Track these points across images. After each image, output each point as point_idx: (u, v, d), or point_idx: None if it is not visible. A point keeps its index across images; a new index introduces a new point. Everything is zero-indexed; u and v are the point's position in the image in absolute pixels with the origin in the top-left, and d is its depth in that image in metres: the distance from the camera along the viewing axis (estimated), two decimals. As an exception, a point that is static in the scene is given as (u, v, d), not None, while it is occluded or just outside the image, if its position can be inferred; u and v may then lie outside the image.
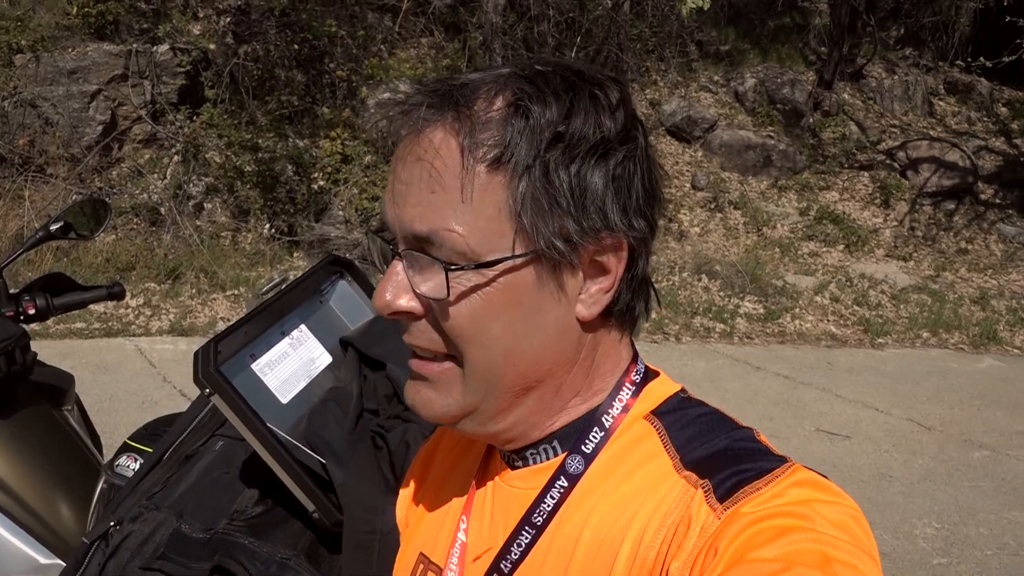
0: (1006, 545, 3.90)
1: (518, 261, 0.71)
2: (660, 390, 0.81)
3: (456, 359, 0.74)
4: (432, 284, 0.71)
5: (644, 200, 0.74)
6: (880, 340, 6.87)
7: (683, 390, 0.82)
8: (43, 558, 1.70)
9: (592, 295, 0.74)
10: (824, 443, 4.76)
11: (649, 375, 0.82)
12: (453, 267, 0.70)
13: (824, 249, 8.45)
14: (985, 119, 10.36)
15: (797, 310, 7.17)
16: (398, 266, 0.73)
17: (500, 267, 0.70)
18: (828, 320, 7.12)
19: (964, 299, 7.86)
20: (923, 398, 5.64)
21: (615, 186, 0.71)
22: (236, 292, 6.18)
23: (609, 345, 0.78)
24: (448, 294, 0.70)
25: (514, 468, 0.82)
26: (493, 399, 0.75)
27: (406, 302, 0.73)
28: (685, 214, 8.48)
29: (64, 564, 1.54)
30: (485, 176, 0.70)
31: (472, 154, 0.70)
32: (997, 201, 9.53)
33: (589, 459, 0.77)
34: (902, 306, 7.53)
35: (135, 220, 6.74)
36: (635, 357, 0.82)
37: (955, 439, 5.03)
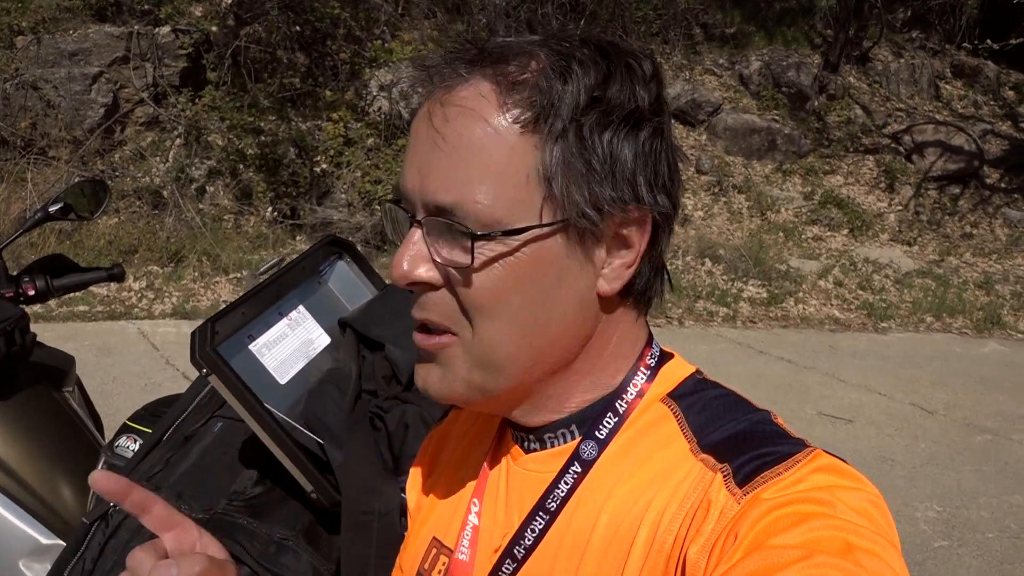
0: (1007, 528, 3.90)
1: (545, 230, 0.69)
2: (676, 372, 0.79)
3: (458, 334, 0.72)
4: (454, 252, 0.69)
5: (668, 177, 0.73)
6: (883, 324, 6.86)
7: (698, 371, 0.81)
8: (44, 538, 1.71)
9: (615, 269, 0.73)
10: (827, 427, 4.76)
11: (664, 357, 0.81)
12: (479, 235, 0.68)
13: (828, 233, 8.42)
14: (992, 103, 10.29)
15: (801, 294, 7.15)
16: (416, 234, 0.71)
17: (527, 235, 0.69)
18: (832, 304, 7.11)
19: (968, 283, 7.84)
20: (926, 382, 5.63)
21: (644, 159, 0.70)
22: (239, 275, 6.18)
23: (626, 325, 0.77)
24: (472, 261, 0.68)
25: (529, 451, 0.80)
26: (503, 377, 0.73)
27: (425, 271, 0.71)
28: (689, 198, 8.45)
29: (65, 544, 1.54)
30: (517, 138, 0.68)
31: (505, 115, 0.68)
32: (1003, 185, 9.48)
33: (603, 444, 0.76)
34: (906, 290, 7.51)
35: (137, 203, 6.73)
36: (650, 339, 0.80)
37: (958, 423, 5.03)
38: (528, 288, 0.70)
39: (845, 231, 8.48)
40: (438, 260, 0.70)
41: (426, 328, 0.75)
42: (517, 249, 0.69)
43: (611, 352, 0.77)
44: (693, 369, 0.80)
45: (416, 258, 0.71)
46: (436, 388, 0.75)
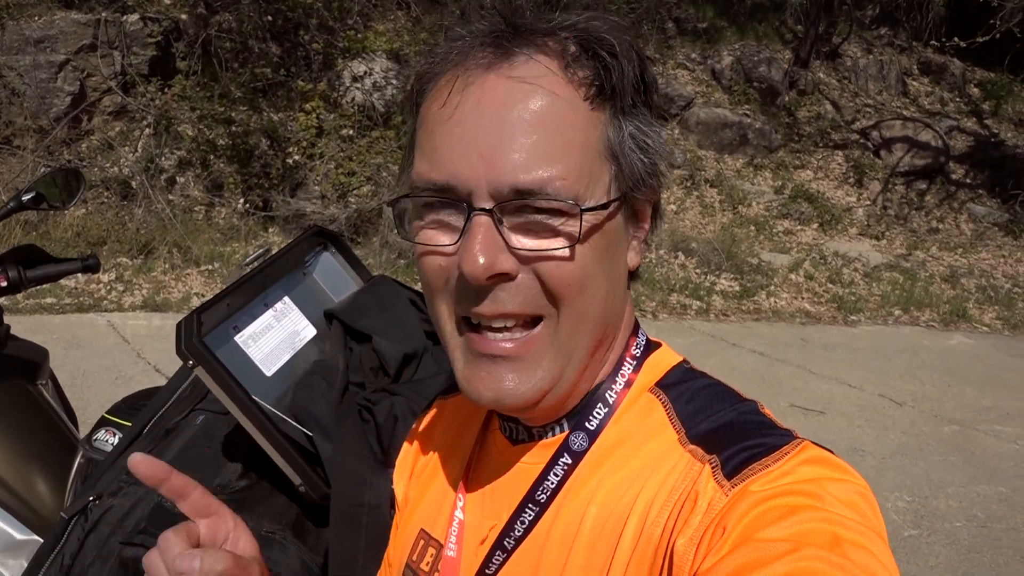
0: (975, 517, 3.98)
1: (615, 205, 0.70)
2: (663, 361, 0.80)
3: (545, 319, 0.70)
4: (547, 238, 0.67)
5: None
6: (853, 317, 6.96)
7: (685, 360, 0.81)
8: (19, 534, 1.67)
9: (638, 244, 0.76)
10: (799, 418, 4.82)
11: (651, 346, 0.81)
12: (584, 209, 0.67)
13: (799, 227, 8.52)
14: (957, 99, 10.47)
15: (772, 287, 7.23)
16: (481, 225, 0.67)
17: (608, 211, 0.69)
18: (802, 297, 7.19)
19: (935, 277, 7.98)
20: (895, 374, 5.72)
21: (660, 136, 0.73)
22: (210, 267, 6.10)
23: (631, 306, 0.79)
24: (579, 238, 0.67)
25: (517, 442, 0.80)
26: (579, 358, 0.73)
27: (506, 261, 0.67)
28: (662, 192, 8.49)
29: (42, 540, 1.51)
30: (589, 114, 0.68)
31: (577, 89, 0.68)
32: (968, 181, 9.65)
33: (593, 436, 0.76)
34: (875, 284, 7.62)
35: (106, 194, 6.61)
36: (636, 328, 0.81)
37: (926, 414, 5.12)
38: (606, 261, 0.71)
39: (815, 225, 8.58)
40: (518, 248, 0.68)
41: (474, 327, 0.71)
42: (600, 224, 0.69)
43: (621, 334, 0.78)
44: (680, 358, 0.81)
45: (493, 249, 0.67)
46: (517, 393, 0.71)
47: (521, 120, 0.66)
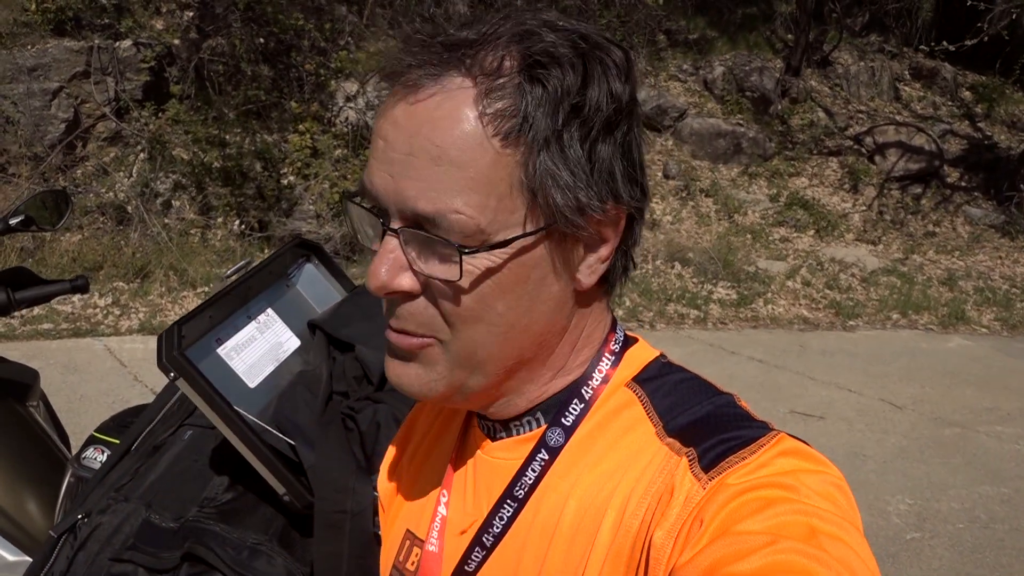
0: (977, 519, 3.96)
1: (530, 239, 0.68)
2: (640, 356, 0.80)
3: (438, 339, 0.71)
4: (436, 265, 0.67)
5: (640, 165, 0.72)
6: (851, 323, 6.95)
7: (663, 355, 0.81)
8: (10, 555, 1.67)
9: (591, 265, 0.73)
10: (799, 424, 4.81)
11: (628, 342, 0.81)
12: (467, 250, 0.66)
13: (795, 234, 8.53)
14: (949, 103, 10.51)
15: (769, 295, 7.23)
16: (392, 242, 0.68)
17: (513, 246, 0.67)
18: (800, 304, 7.19)
19: (932, 280, 7.98)
20: (894, 378, 5.71)
21: (620, 154, 0.69)
22: (206, 289, 6.11)
23: (596, 313, 0.78)
24: (460, 276, 0.66)
25: (495, 439, 0.80)
26: (482, 375, 0.73)
27: (404, 281, 0.69)
28: (658, 203, 8.51)
29: (31, 560, 1.51)
30: (499, 149, 0.65)
31: (486, 126, 0.65)
32: (963, 184, 9.67)
33: (569, 431, 0.76)
34: (872, 289, 7.62)
35: (101, 219, 6.63)
36: (614, 324, 0.81)
37: (926, 417, 5.10)
38: (512, 294, 0.70)
39: (811, 232, 8.59)
40: (419, 271, 0.68)
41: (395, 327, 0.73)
42: (505, 260, 0.68)
43: (582, 341, 0.78)
44: (657, 353, 0.81)
45: (394, 267, 0.68)
46: (415, 387, 0.74)
47: (425, 151, 0.65)
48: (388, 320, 0.72)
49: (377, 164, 0.68)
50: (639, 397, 0.76)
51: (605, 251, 0.72)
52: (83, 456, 1.61)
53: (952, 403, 5.35)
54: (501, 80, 0.65)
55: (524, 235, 0.67)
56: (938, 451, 4.65)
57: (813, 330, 6.74)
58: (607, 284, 0.76)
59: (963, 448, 4.71)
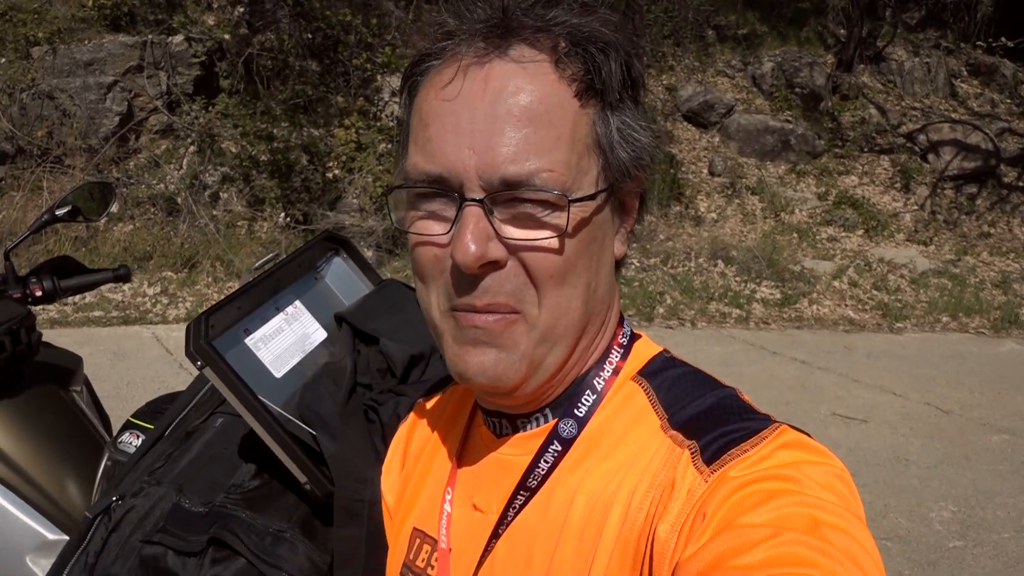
0: (1023, 528, 3.86)
1: (602, 196, 0.72)
2: (645, 350, 0.81)
3: (523, 311, 0.71)
4: (531, 228, 0.69)
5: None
6: (899, 324, 6.80)
7: (666, 350, 0.82)
8: (51, 534, 1.73)
9: (624, 234, 0.78)
10: (840, 427, 4.73)
11: (634, 336, 0.82)
12: (571, 199, 0.68)
13: (843, 234, 8.37)
14: (1008, 101, 10.20)
15: (815, 295, 7.11)
16: (474, 214, 0.69)
17: (594, 202, 0.71)
18: (846, 305, 7.06)
19: (985, 283, 7.77)
20: (942, 382, 5.57)
21: (647, 127, 0.75)
22: (252, 280, 6.23)
23: (617, 293, 0.80)
24: (566, 228, 0.69)
25: (500, 436, 0.81)
26: (562, 346, 0.74)
27: (496, 250, 0.69)
28: (702, 200, 8.42)
29: (68, 539, 1.56)
30: (577, 109, 0.70)
31: (567, 86, 0.70)
32: (1020, 184, 9.39)
33: (582, 422, 0.76)
34: (922, 290, 7.45)
35: (152, 210, 6.80)
36: (621, 319, 0.82)
37: (974, 423, 4.97)
38: (588, 252, 0.72)
39: (860, 231, 8.42)
40: (506, 238, 0.69)
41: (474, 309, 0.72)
42: (587, 217, 0.71)
43: (610, 322, 0.79)
44: (661, 348, 0.82)
45: (482, 238, 0.69)
46: (496, 371, 0.73)
47: (511, 114, 0.68)
48: (464, 303, 0.71)
49: (451, 143, 0.69)
50: (644, 390, 0.77)
51: (630, 222, 0.77)
52: (119, 440, 1.65)
53: (1002, 409, 5.20)
54: (571, 49, 0.70)
55: (604, 190, 0.72)
56: (985, 458, 4.53)
57: (859, 331, 6.62)
58: (623, 262, 0.80)
59: (1011, 456, 4.58)
